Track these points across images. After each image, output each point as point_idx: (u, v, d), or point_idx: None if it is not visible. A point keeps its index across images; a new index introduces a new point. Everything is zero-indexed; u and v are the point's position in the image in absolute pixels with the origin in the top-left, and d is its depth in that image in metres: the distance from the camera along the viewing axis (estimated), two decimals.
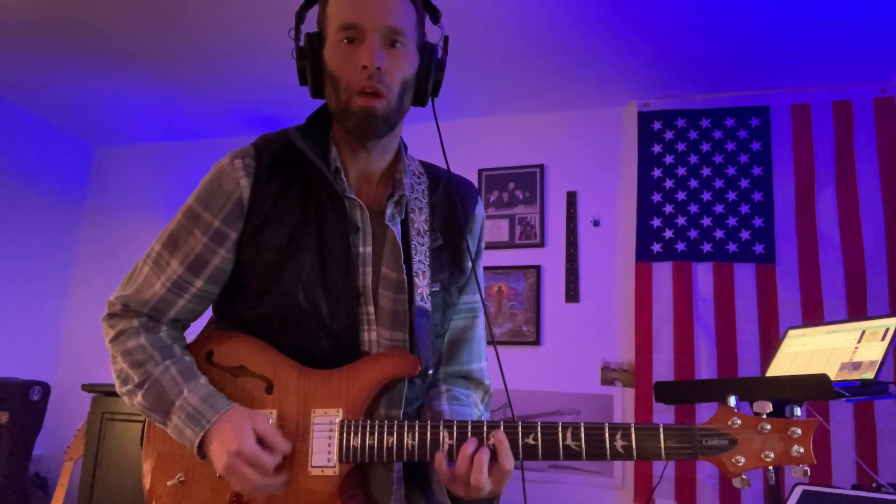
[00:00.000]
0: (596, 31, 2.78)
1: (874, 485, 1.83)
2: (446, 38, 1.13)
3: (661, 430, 0.91)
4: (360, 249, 1.09)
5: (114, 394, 2.90)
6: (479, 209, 1.24)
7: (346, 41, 1.03)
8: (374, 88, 1.02)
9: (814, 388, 1.56)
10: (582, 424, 0.94)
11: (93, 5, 2.76)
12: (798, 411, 0.91)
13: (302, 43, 1.08)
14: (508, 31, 2.80)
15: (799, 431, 0.88)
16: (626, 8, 2.62)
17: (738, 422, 0.91)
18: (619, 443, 0.92)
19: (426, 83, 1.11)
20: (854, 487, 1.96)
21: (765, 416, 0.90)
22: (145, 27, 2.91)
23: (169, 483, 1.06)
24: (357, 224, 1.09)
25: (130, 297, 1.11)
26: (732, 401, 0.92)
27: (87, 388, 2.95)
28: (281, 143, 1.11)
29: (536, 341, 3.27)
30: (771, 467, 0.89)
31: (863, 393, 1.66)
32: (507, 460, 0.95)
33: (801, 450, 0.87)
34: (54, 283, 3.99)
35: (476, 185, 3.43)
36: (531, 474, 3.09)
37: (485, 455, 0.94)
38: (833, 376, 1.78)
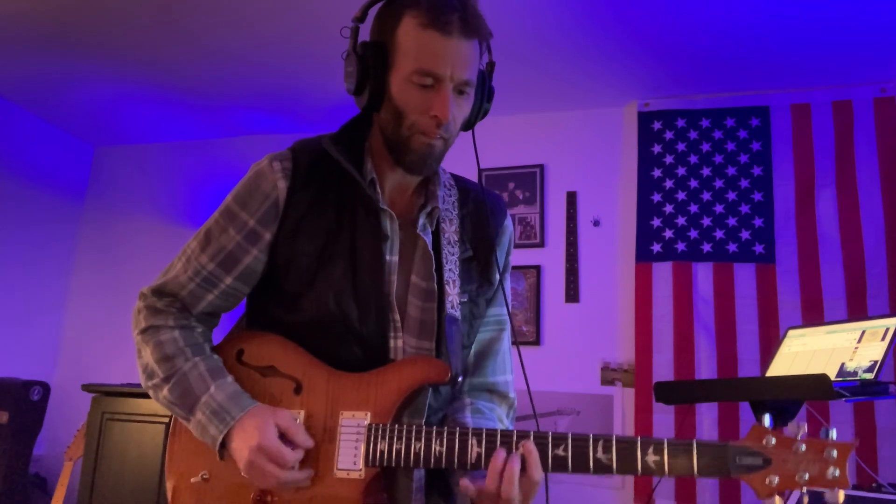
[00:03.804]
0: (596, 31, 2.78)
1: (874, 485, 1.83)
2: (493, 65, 1.14)
3: (695, 446, 0.89)
4: (388, 258, 1.10)
5: (114, 394, 2.91)
6: (509, 223, 1.26)
7: (420, 85, 1.02)
8: (440, 135, 1.06)
9: (814, 388, 1.56)
10: (614, 437, 0.92)
11: (93, 6, 2.76)
12: (834, 434, 0.87)
13: (360, 50, 1.06)
14: (508, 31, 2.79)
15: (835, 453, 0.85)
16: (626, 8, 2.62)
17: (773, 441, 0.88)
18: (651, 458, 0.90)
19: (476, 116, 1.14)
20: (854, 487, 1.96)
21: (800, 437, 0.88)
22: (145, 28, 2.91)
23: (192, 480, 1.07)
24: (386, 233, 1.11)
25: (162, 286, 1.13)
26: (767, 420, 0.90)
27: (87, 388, 2.95)
28: (317, 151, 1.12)
29: (536, 341, 3.27)
30: (805, 497, 0.87)
31: (863, 393, 1.66)
32: (537, 471, 0.93)
33: (837, 472, 0.85)
34: (54, 283, 3.98)
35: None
36: None
37: (516, 466, 0.92)
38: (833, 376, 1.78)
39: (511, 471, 0.92)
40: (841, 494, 0.85)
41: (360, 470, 1.00)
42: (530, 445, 0.94)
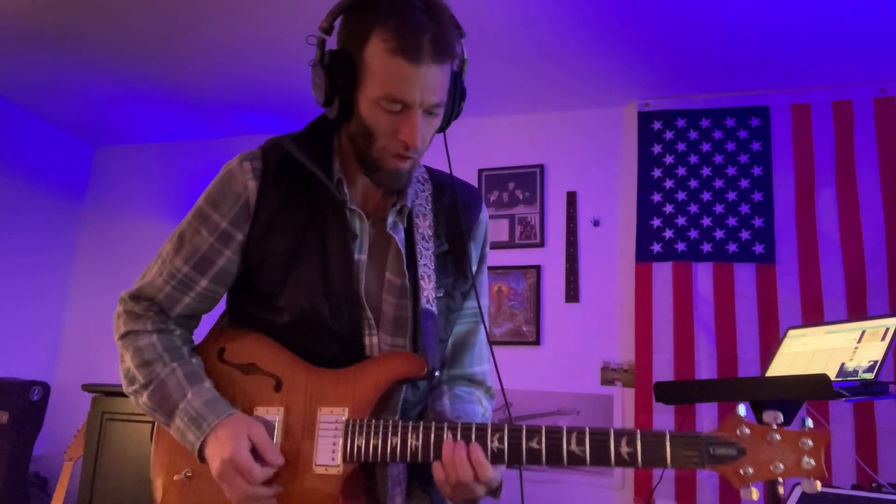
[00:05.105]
0: (596, 30, 2.78)
1: (874, 485, 1.83)
2: (465, 63, 1.12)
3: (668, 437, 0.89)
4: (357, 256, 1.10)
5: (114, 394, 2.91)
6: (484, 216, 1.25)
7: (387, 111, 1.01)
8: (411, 157, 1.05)
9: (814, 388, 1.56)
10: (587, 429, 0.92)
11: (93, 6, 2.76)
12: (810, 422, 0.87)
13: (327, 61, 1.03)
14: (508, 31, 2.80)
15: (810, 443, 0.85)
16: (626, 8, 2.62)
17: (747, 431, 0.88)
18: (624, 449, 0.90)
19: (449, 119, 1.12)
20: (854, 487, 1.96)
21: (775, 427, 0.87)
22: (145, 28, 2.91)
23: (176, 478, 1.08)
24: (355, 232, 1.10)
25: (139, 290, 1.14)
26: (742, 409, 0.89)
27: (87, 388, 2.95)
28: (286, 151, 1.11)
29: (536, 341, 3.27)
30: (781, 487, 0.87)
31: (863, 393, 1.66)
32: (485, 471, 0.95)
33: (812, 462, 0.84)
34: (54, 283, 3.98)
35: (476, 185, 3.44)
36: (531, 474, 3.09)
37: (461, 453, 0.94)
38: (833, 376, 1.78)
39: (461, 458, 0.94)
40: (818, 484, 0.84)
41: (338, 465, 1.01)
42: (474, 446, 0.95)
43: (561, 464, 0.92)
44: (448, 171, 1.21)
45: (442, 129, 1.12)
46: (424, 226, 1.15)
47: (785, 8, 2.56)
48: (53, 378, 3.76)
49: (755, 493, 0.86)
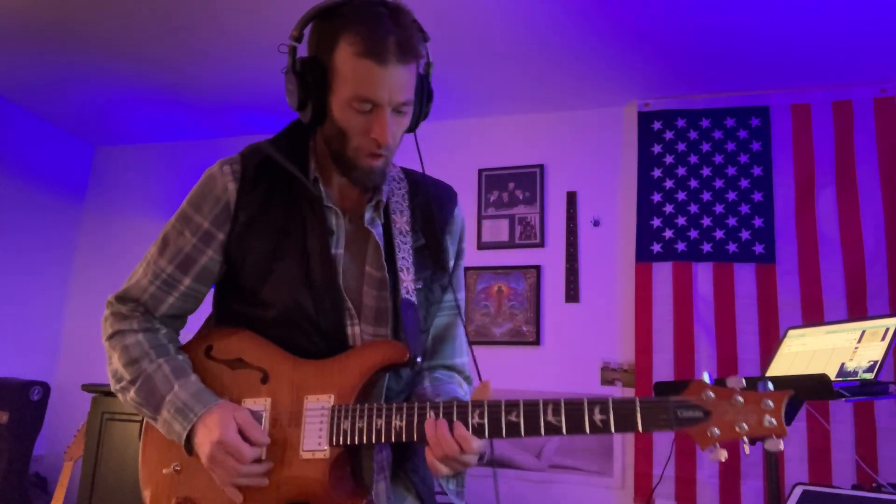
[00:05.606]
0: (596, 30, 2.78)
1: (874, 485, 1.83)
2: (430, 66, 1.16)
3: (638, 402, 0.95)
4: (334, 251, 1.15)
5: (114, 394, 2.91)
6: (458, 212, 1.31)
7: (359, 110, 1.06)
8: (383, 154, 1.10)
9: (814, 388, 1.56)
10: (562, 400, 0.97)
11: (93, 6, 2.76)
12: (770, 385, 0.94)
13: (298, 67, 1.09)
14: (508, 31, 2.80)
15: (771, 403, 0.90)
16: (626, 8, 2.62)
17: (712, 395, 0.93)
18: (597, 416, 0.95)
19: (417, 120, 1.17)
20: (854, 487, 1.96)
21: (738, 390, 0.93)
22: (145, 28, 2.91)
23: (164, 471, 1.11)
24: (331, 229, 1.15)
25: (125, 292, 1.18)
26: (706, 376, 0.95)
27: (87, 388, 2.95)
28: (265, 153, 1.16)
29: (536, 341, 3.27)
30: (747, 447, 0.91)
31: (863, 393, 1.66)
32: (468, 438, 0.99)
33: (774, 421, 0.89)
34: (54, 283, 3.99)
35: (476, 185, 3.45)
36: (531, 474, 3.09)
37: (443, 428, 0.98)
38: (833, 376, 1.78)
39: (444, 435, 0.98)
40: (780, 443, 0.89)
41: (325, 450, 1.04)
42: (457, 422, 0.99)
43: (539, 434, 0.97)
44: (421, 171, 1.27)
45: (411, 130, 1.17)
46: (401, 221, 1.20)
47: (785, 8, 2.56)
48: (53, 378, 3.76)
49: (723, 454, 0.91)
